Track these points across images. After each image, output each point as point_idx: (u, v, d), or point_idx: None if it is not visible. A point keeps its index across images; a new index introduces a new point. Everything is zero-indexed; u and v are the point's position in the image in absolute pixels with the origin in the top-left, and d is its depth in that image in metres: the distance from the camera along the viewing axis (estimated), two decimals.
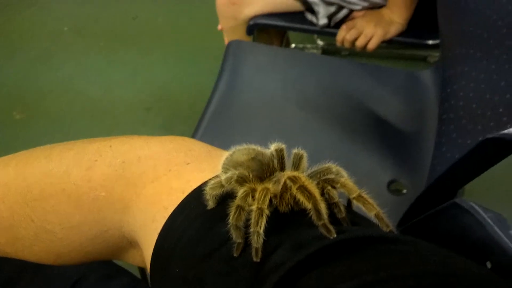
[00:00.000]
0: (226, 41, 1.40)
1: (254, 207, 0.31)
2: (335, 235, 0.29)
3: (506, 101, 0.68)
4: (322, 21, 1.22)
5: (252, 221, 0.31)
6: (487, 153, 0.62)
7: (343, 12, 1.24)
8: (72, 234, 0.44)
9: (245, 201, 0.32)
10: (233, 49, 1.21)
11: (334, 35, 1.23)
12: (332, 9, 1.23)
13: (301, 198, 0.31)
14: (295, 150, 0.36)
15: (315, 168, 0.35)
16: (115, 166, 0.43)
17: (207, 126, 1.04)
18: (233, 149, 0.38)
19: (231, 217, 0.32)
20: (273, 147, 0.37)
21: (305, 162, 0.36)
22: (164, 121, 1.65)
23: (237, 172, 0.34)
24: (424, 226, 0.61)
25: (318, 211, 0.30)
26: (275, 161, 0.36)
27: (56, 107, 1.66)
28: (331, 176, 0.33)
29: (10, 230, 0.46)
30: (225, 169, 0.36)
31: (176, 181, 0.41)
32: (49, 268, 0.70)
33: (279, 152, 0.36)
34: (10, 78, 1.78)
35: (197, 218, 0.36)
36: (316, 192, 0.30)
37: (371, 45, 1.19)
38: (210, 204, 0.36)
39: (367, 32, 1.18)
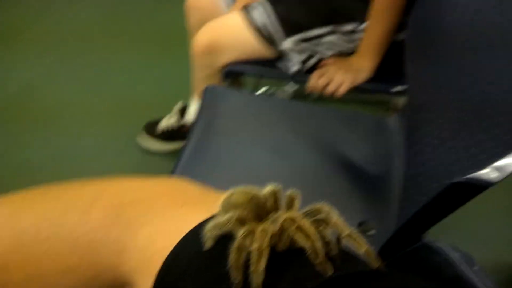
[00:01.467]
0: (198, 90, 1.43)
1: (254, 247, 0.34)
2: (331, 273, 0.32)
3: (469, 146, 0.73)
4: (294, 68, 1.28)
5: (253, 260, 0.33)
6: (453, 197, 0.66)
7: (314, 60, 1.30)
8: (66, 278, 0.45)
9: (245, 242, 0.35)
10: (209, 95, 1.25)
11: (305, 81, 1.29)
12: (303, 56, 1.29)
13: (299, 238, 0.34)
14: (288, 192, 0.39)
15: (307, 208, 0.38)
16: (111, 208, 0.45)
17: (183, 171, 1.07)
18: (230, 190, 0.41)
19: (231, 258, 0.34)
20: (268, 188, 0.40)
21: (298, 203, 0.39)
22: (137, 164, 1.66)
23: (236, 213, 0.37)
24: (397, 266, 0.64)
25: (315, 250, 0.33)
26: (271, 202, 0.39)
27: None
28: (323, 215, 0.37)
29: (1, 273, 0.46)
30: (225, 210, 0.39)
31: (173, 222, 0.43)
32: None
33: (275, 193, 0.39)
34: None
35: (195, 258, 0.39)
36: (313, 233, 0.34)
37: (341, 92, 1.25)
38: (209, 244, 0.38)
39: (337, 79, 1.24)
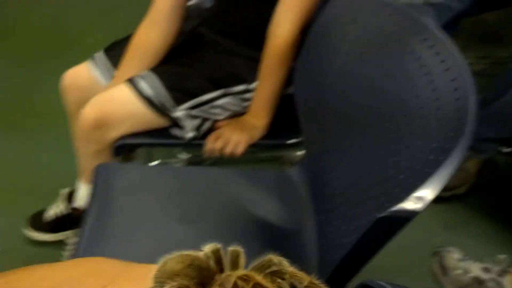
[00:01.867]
0: (86, 171, 1.35)
1: None
2: None
3: (381, 183, 0.74)
4: (189, 134, 1.25)
5: None
6: (379, 233, 0.66)
7: (208, 124, 1.28)
8: None
9: None
10: (102, 173, 1.17)
11: (201, 146, 1.26)
12: (197, 122, 1.26)
13: None
14: (231, 248, 0.35)
15: (255, 262, 0.34)
16: None
17: (85, 254, 0.97)
18: (163, 259, 0.35)
19: None
20: (208, 248, 0.35)
21: (243, 260, 0.34)
22: (27, 260, 1.49)
23: (175, 283, 0.32)
24: None
25: None
26: (212, 263, 0.34)
27: None
28: (276, 267, 0.32)
29: None
30: (160, 282, 0.34)
31: None
32: None
33: (215, 252, 0.34)
34: None
35: None
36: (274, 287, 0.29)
37: (239, 151, 1.23)
38: None
39: (233, 139, 1.23)
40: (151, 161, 1.77)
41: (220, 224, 1.08)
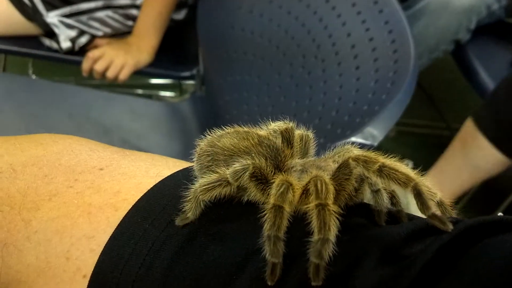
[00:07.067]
0: None
1: (312, 205, 0.22)
2: (451, 227, 0.21)
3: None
4: (65, 44, 1.08)
5: (316, 224, 0.22)
6: None
7: (85, 38, 1.13)
8: None
9: (284, 199, 0.23)
10: None
11: (79, 64, 1.10)
12: (73, 33, 1.10)
13: (390, 183, 0.22)
14: (298, 131, 0.28)
15: (331, 152, 0.27)
16: None
17: None
18: (211, 136, 0.27)
19: (268, 224, 0.22)
20: (275, 126, 0.27)
21: (313, 147, 0.28)
22: None
23: (250, 162, 0.24)
24: None
25: (422, 196, 0.22)
26: (282, 145, 0.27)
27: None
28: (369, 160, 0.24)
29: None
30: (215, 161, 0.26)
31: (95, 195, 0.28)
32: None
33: (286, 133, 0.27)
34: None
35: (165, 243, 0.25)
36: (409, 171, 0.23)
37: (123, 76, 1.09)
38: (190, 216, 0.24)
39: (117, 62, 1.08)
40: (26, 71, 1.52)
41: None
